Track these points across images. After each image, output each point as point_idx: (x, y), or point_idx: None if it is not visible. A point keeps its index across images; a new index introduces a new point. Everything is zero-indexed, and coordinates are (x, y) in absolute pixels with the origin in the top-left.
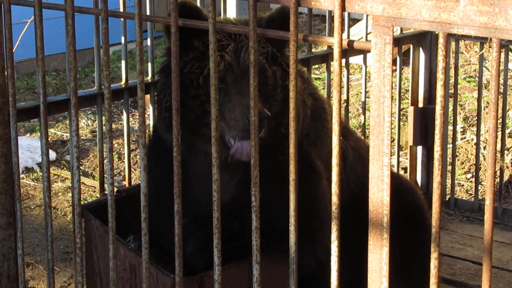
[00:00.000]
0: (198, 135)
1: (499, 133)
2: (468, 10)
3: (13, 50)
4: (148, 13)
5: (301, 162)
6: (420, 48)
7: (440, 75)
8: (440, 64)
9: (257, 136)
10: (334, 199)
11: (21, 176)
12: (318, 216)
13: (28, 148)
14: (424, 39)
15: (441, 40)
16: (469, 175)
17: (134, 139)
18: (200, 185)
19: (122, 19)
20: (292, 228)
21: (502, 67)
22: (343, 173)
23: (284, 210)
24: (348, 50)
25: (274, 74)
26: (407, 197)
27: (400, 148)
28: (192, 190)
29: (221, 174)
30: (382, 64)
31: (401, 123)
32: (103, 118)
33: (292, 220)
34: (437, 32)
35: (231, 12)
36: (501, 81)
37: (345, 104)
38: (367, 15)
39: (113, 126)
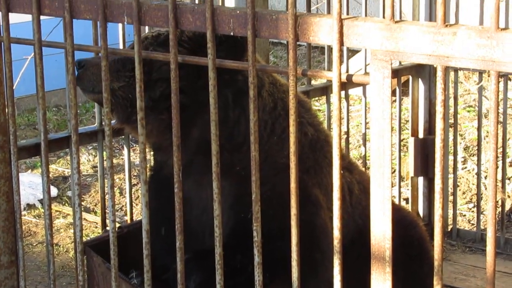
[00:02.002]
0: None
1: (500, 163)
2: (465, 44)
3: (14, 87)
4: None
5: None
6: (419, 79)
7: (439, 108)
8: (439, 97)
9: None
10: (336, 233)
11: (23, 212)
12: (318, 247)
13: (30, 185)
14: (423, 71)
15: (439, 74)
16: (470, 205)
17: (135, 174)
18: (188, 205)
19: None
20: (294, 263)
21: (501, 96)
22: (349, 207)
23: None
24: (348, 82)
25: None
26: (408, 230)
27: (401, 178)
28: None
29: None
30: (381, 98)
31: (402, 154)
32: (104, 154)
33: (294, 255)
34: (435, 65)
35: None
36: (501, 110)
37: (345, 136)
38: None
39: (114, 161)
